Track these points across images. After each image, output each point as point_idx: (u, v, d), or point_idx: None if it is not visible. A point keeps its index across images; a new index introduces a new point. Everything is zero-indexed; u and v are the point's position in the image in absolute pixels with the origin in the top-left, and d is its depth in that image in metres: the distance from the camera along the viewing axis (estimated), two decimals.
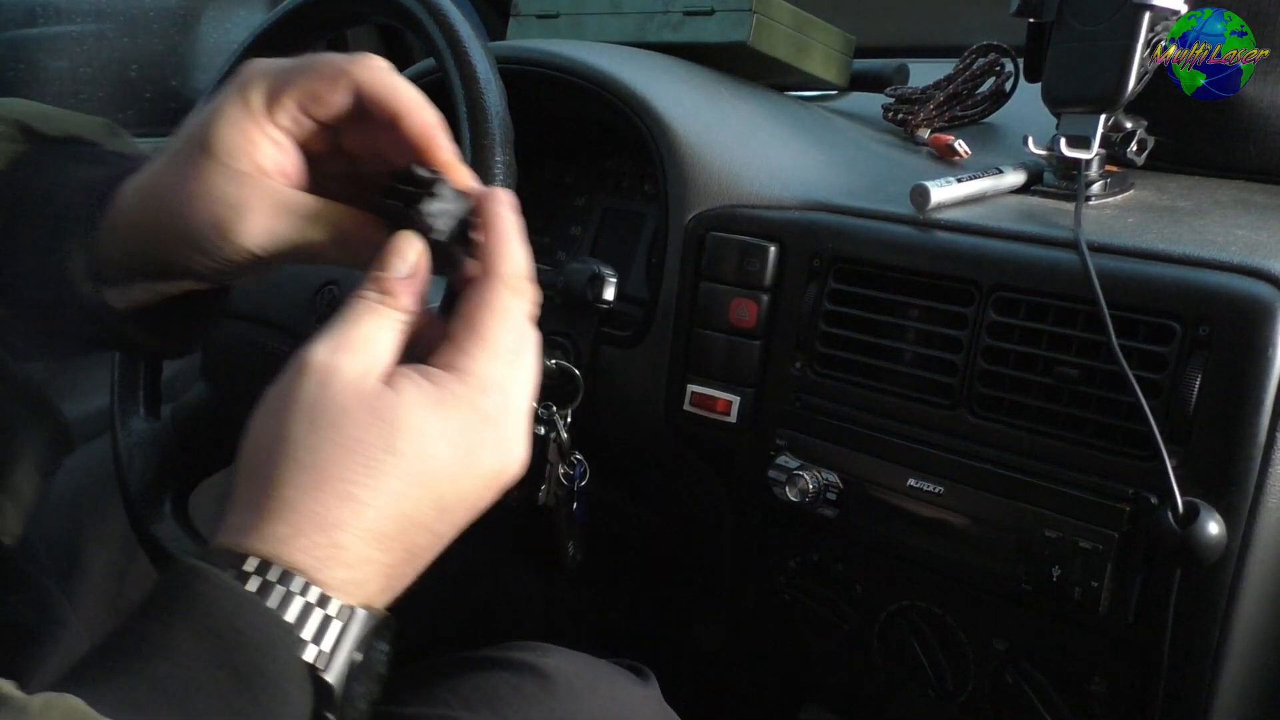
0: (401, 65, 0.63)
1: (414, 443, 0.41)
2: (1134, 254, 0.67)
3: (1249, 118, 0.81)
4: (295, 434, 0.40)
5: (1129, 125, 0.78)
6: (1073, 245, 0.68)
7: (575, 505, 0.85)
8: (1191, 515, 0.61)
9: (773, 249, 0.80)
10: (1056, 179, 0.79)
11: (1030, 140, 0.79)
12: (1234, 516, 0.62)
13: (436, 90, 0.52)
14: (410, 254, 0.44)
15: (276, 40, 0.71)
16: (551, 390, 0.84)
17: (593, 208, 1.05)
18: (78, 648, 0.70)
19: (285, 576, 0.38)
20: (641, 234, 0.99)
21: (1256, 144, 0.82)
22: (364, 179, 0.49)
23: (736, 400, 0.82)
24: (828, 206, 0.81)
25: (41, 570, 0.69)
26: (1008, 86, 1.02)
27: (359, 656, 0.39)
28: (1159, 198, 0.78)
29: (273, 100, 0.46)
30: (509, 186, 0.56)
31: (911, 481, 0.72)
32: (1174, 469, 0.61)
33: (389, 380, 0.42)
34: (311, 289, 0.90)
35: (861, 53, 1.12)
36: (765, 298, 0.81)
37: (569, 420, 0.83)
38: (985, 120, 1.03)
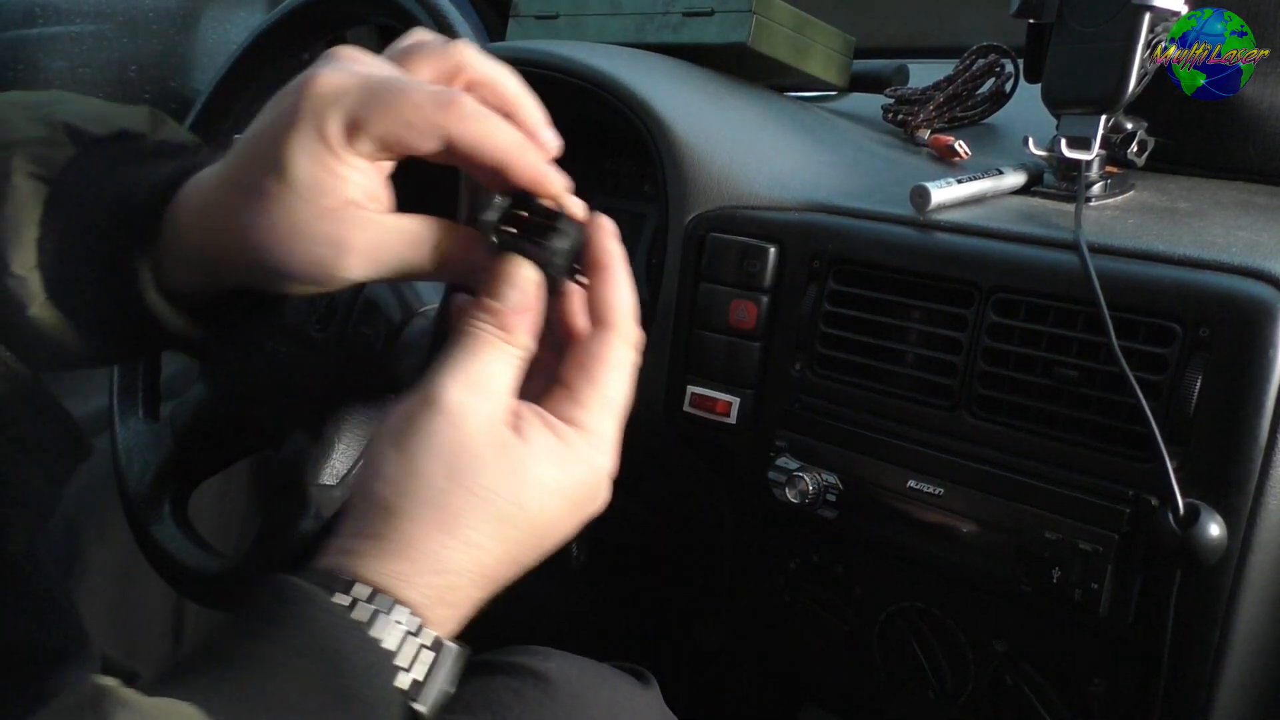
0: None
1: (538, 498, 0.43)
2: (1134, 255, 0.67)
3: (1249, 118, 0.81)
4: (428, 475, 0.42)
5: (1129, 126, 0.78)
6: (1073, 246, 0.68)
7: None
8: (1192, 517, 0.61)
9: (773, 250, 0.80)
10: (1057, 180, 0.79)
11: (1030, 141, 0.79)
12: (1234, 518, 0.61)
13: None
14: (528, 286, 0.45)
15: (276, 40, 0.71)
16: None
17: (592, 208, 1.05)
18: (90, 663, 0.69)
19: (394, 609, 0.40)
20: (641, 235, 0.99)
21: (1257, 145, 0.82)
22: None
23: (736, 401, 0.82)
24: (828, 208, 0.81)
25: (51, 584, 0.68)
26: (1008, 87, 1.02)
27: (451, 689, 0.41)
28: (1159, 199, 0.78)
29: (352, 133, 0.43)
30: None
31: (911, 483, 0.72)
32: (1174, 470, 0.61)
33: (515, 425, 0.43)
34: None
35: (861, 53, 1.12)
36: (765, 299, 0.81)
37: None
38: (985, 121, 1.03)
